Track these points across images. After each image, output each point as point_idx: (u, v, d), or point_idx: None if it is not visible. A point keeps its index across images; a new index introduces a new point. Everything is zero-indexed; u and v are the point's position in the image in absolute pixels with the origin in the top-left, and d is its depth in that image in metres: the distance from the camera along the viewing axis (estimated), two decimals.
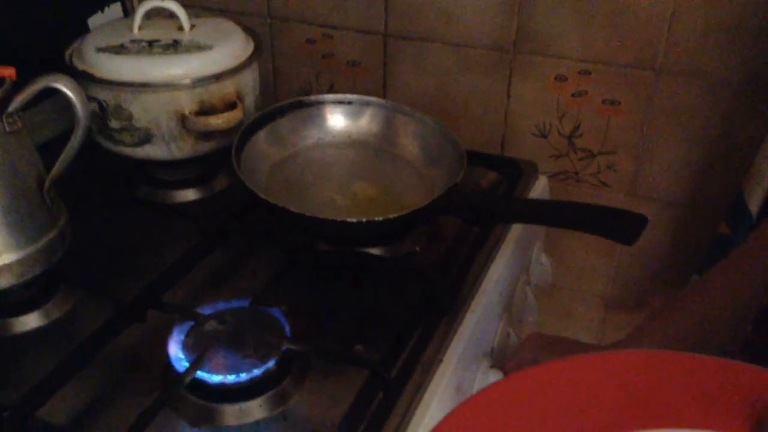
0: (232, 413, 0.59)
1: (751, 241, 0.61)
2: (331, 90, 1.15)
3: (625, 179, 1.04)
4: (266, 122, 0.83)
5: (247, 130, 0.80)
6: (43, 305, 0.70)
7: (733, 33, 0.89)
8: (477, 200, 0.76)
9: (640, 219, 0.64)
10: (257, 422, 0.60)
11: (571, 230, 0.73)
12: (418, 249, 0.78)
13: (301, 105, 0.86)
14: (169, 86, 0.79)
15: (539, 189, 0.91)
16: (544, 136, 1.05)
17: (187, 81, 0.79)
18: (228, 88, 0.82)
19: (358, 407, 0.60)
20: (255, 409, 0.60)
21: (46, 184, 0.66)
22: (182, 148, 0.83)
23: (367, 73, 1.11)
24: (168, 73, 0.79)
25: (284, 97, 1.18)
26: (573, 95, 1.00)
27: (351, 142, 0.86)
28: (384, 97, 1.12)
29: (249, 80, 0.85)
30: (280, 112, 0.84)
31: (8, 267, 0.65)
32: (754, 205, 0.87)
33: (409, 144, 0.85)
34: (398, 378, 0.62)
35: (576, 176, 1.06)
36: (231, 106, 0.82)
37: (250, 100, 0.86)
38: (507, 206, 0.77)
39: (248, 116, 0.84)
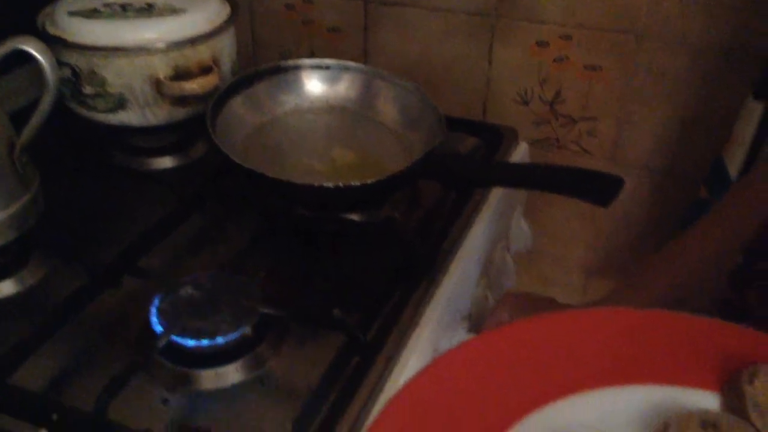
0: (207, 378, 0.59)
1: (725, 201, 0.61)
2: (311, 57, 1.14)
3: (606, 145, 1.03)
4: (243, 87, 0.81)
5: (222, 95, 0.78)
6: (16, 272, 0.69)
7: None
8: (455, 164, 0.75)
9: (616, 180, 0.64)
10: (234, 386, 0.59)
11: (549, 193, 0.73)
12: (397, 215, 0.78)
13: (278, 70, 0.84)
14: (142, 50, 0.78)
15: (519, 155, 0.91)
16: (525, 102, 1.04)
17: (161, 45, 0.78)
18: (203, 52, 0.81)
19: (335, 370, 0.60)
20: (231, 373, 0.60)
21: (17, 150, 0.65)
22: (157, 114, 0.82)
23: (347, 39, 1.10)
24: (142, 36, 0.78)
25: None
26: (555, 60, 0.99)
27: (329, 108, 0.85)
28: (365, 63, 1.10)
29: (225, 45, 0.84)
30: (258, 77, 0.82)
31: None
32: (733, 169, 0.87)
33: (388, 109, 0.83)
34: (374, 341, 0.62)
35: (557, 143, 1.06)
36: (206, 70, 0.81)
37: (226, 65, 0.85)
38: (485, 170, 0.76)
39: (224, 82, 0.83)
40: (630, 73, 0.97)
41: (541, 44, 0.99)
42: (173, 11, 0.80)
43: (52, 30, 0.79)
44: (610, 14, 0.94)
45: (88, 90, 0.80)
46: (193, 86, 0.79)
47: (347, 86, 0.85)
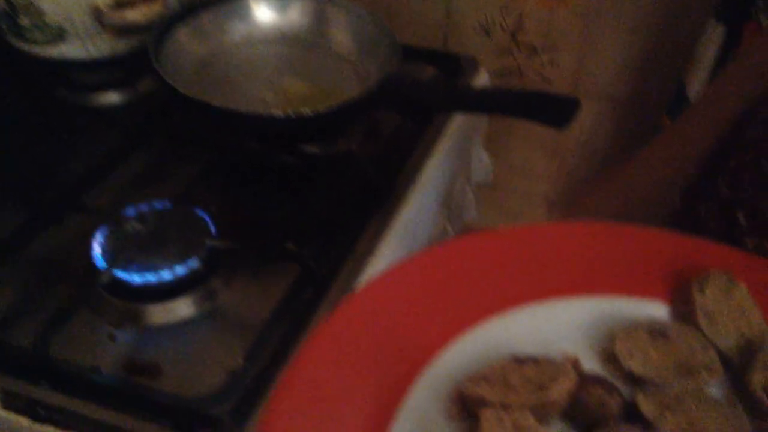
0: (156, 312, 0.58)
1: (680, 119, 0.60)
2: None
3: (568, 75, 1.02)
4: (187, 16, 0.76)
5: (165, 25, 0.74)
6: None
7: None
8: (411, 91, 0.72)
9: (572, 102, 0.63)
10: (183, 321, 0.58)
11: (508, 118, 0.71)
12: (354, 147, 0.76)
13: None
14: None
15: (479, 84, 0.89)
16: (487, 32, 1.02)
17: None
18: None
19: (288, 303, 0.59)
20: (181, 307, 0.59)
21: None
22: (99, 47, 0.78)
23: None
24: None
25: None
26: None
27: (281, 37, 0.81)
28: None
29: None
30: (203, 5, 0.78)
31: None
32: (692, 92, 0.86)
33: (342, 36, 0.80)
34: (329, 272, 0.61)
35: (519, 73, 1.04)
36: None
37: None
38: (440, 95, 0.73)
39: (169, 10, 0.79)
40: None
41: None
42: None
43: None
44: None
45: (24, 21, 0.76)
46: (135, 15, 0.75)
47: (298, 13, 0.81)
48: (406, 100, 0.72)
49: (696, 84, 0.84)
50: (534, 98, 0.66)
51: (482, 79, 0.90)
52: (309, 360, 0.35)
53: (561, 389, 0.33)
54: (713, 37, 0.81)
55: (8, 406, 0.51)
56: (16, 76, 0.84)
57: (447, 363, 0.36)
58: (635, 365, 0.34)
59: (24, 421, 0.50)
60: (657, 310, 0.39)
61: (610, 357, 0.36)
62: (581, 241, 0.41)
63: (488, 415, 0.31)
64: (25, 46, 0.79)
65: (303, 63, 0.79)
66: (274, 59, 0.80)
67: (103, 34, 0.77)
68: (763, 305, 0.37)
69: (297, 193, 0.72)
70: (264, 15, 0.81)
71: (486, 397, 0.32)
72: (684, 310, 0.38)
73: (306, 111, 0.66)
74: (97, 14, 0.76)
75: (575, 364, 0.35)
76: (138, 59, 0.81)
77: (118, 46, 0.79)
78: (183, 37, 0.76)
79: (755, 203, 0.46)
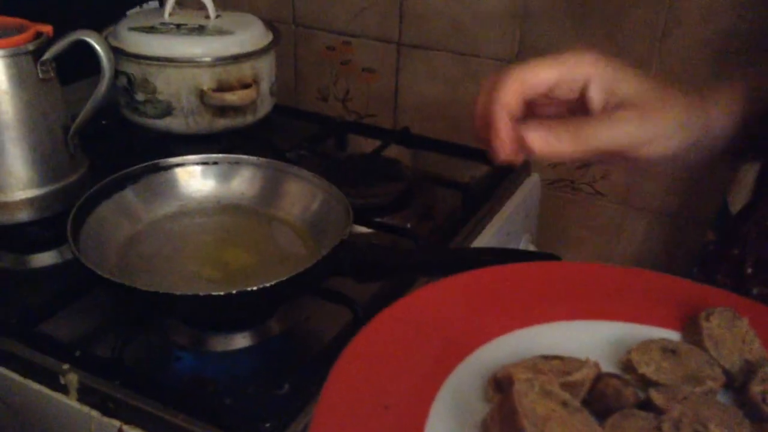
0: (218, 341, 0.65)
1: None
2: (346, 96, 1.23)
3: (619, 189, 1.08)
4: (114, 191, 0.70)
5: (91, 197, 0.68)
6: (58, 246, 0.76)
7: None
8: (369, 254, 0.65)
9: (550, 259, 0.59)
10: (240, 350, 0.64)
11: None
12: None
13: (157, 169, 0.74)
14: (191, 63, 0.87)
15: (529, 186, 0.96)
16: None
17: (208, 59, 0.87)
18: (245, 70, 0.90)
19: (335, 343, 0.64)
20: (238, 339, 0.65)
21: (71, 131, 0.73)
22: (199, 122, 0.90)
23: (381, 78, 1.18)
24: (191, 51, 0.87)
25: (304, 98, 1.26)
26: None
27: (220, 208, 0.75)
28: (396, 102, 1.19)
29: (265, 66, 0.93)
30: (132, 179, 0.72)
31: (30, 201, 0.71)
32: (735, 210, 0.91)
33: (288, 203, 0.73)
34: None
35: (572, 184, 1.11)
36: (246, 86, 0.90)
37: (265, 84, 0.93)
38: (395, 257, 0.66)
39: (262, 98, 0.91)
40: None
41: None
42: (221, 32, 0.90)
43: (113, 42, 0.89)
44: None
45: (140, 97, 0.89)
46: (233, 97, 0.88)
47: (240, 182, 0.76)
48: (363, 265, 0.64)
49: (738, 204, 0.89)
50: (509, 256, 0.63)
51: (533, 181, 0.97)
52: (366, 342, 0.41)
53: (584, 374, 0.38)
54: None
55: (83, 400, 0.58)
56: (126, 145, 0.96)
57: (483, 357, 0.42)
58: (649, 371, 0.39)
59: (95, 414, 0.57)
60: (669, 335, 0.44)
61: (625, 367, 0.41)
62: (606, 279, 0.47)
63: (520, 378, 0.36)
64: (137, 118, 0.92)
65: (245, 233, 0.72)
66: (213, 231, 0.73)
67: (204, 112, 0.90)
68: (764, 340, 0.42)
69: None
70: (202, 185, 0.76)
71: (516, 374, 0.37)
72: (693, 336, 0.43)
73: (251, 286, 0.57)
74: (201, 95, 0.88)
75: (595, 364, 0.40)
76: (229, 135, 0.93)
77: (214, 123, 0.91)
78: (109, 212, 0.69)
79: (760, 254, 0.50)
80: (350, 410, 0.38)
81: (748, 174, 0.91)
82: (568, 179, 1.11)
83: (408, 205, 0.88)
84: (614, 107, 0.48)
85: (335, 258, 0.62)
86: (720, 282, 0.54)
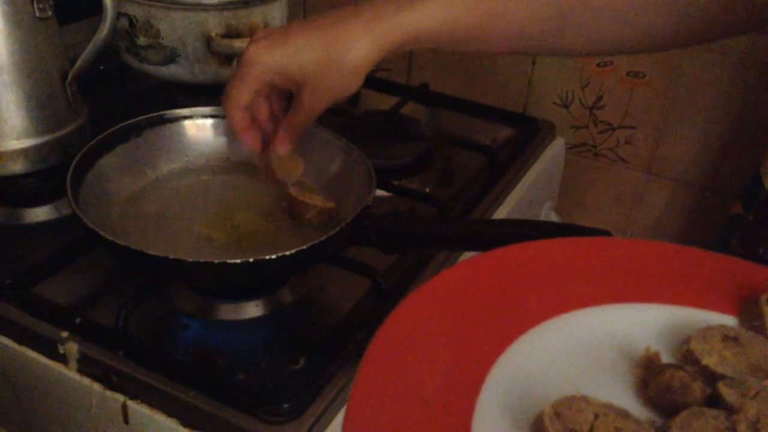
0: (227, 309, 0.60)
1: None
2: None
3: (643, 155, 1.03)
4: (117, 143, 0.64)
5: (92, 149, 0.62)
6: (53, 200, 0.71)
7: None
8: (392, 225, 0.59)
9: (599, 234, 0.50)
10: (251, 320, 0.60)
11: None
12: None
13: (163, 120, 0.67)
14: (198, 6, 0.80)
15: (554, 149, 0.91)
16: (565, 105, 1.05)
17: (216, 3, 0.81)
18: (255, 15, 0.84)
19: (353, 314, 0.60)
20: (250, 308, 0.61)
21: (70, 76, 0.67)
22: (205, 71, 0.84)
23: None
24: None
25: None
26: (598, 65, 1.00)
27: (230, 166, 0.69)
28: (411, 59, 1.12)
29: (277, 12, 0.87)
30: (136, 131, 0.66)
31: (24, 152, 0.66)
32: None
33: (304, 163, 0.66)
34: (395, 289, 0.62)
35: (594, 149, 1.06)
36: None
37: None
38: (428, 229, 0.60)
39: None
40: (672, 81, 0.97)
41: None
42: None
43: None
44: None
45: (142, 41, 0.83)
46: (242, 45, 0.81)
47: None
48: (386, 235, 0.58)
49: None
50: (556, 230, 0.53)
51: (558, 145, 0.92)
52: (399, 325, 0.37)
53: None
54: None
55: (83, 371, 0.53)
56: (126, 92, 0.90)
57: (527, 345, 0.37)
58: (712, 362, 0.35)
59: (96, 387, 0.52)
60: (728, 322, 0.40)
61: (685, 357, 0.36)
62: (663, 255, 0.43)
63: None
64: (138, 64, 0.85)
65: (256, 194, 0.66)
66: (221, 190, 0.67)
67: (210, 60, 0.83)
68: None
69: None
70: (210, 140, 0.70)
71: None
72: (753, 320, 0.39)
73: (268, 256, 0.52)
74: (207, 41, 0.82)
75: (656, 357, 0.36)
76: None
77: (221, 73, 0.85)
78: (110, 168, 0.64)
79: None
80: (386, 405, 0.34)
81: None
82: (591, 144, 1.06)
83: (427, 167, 0.83)
84: None
85: (359, 225, 0.57)
86: (762, 256, 0.50)
